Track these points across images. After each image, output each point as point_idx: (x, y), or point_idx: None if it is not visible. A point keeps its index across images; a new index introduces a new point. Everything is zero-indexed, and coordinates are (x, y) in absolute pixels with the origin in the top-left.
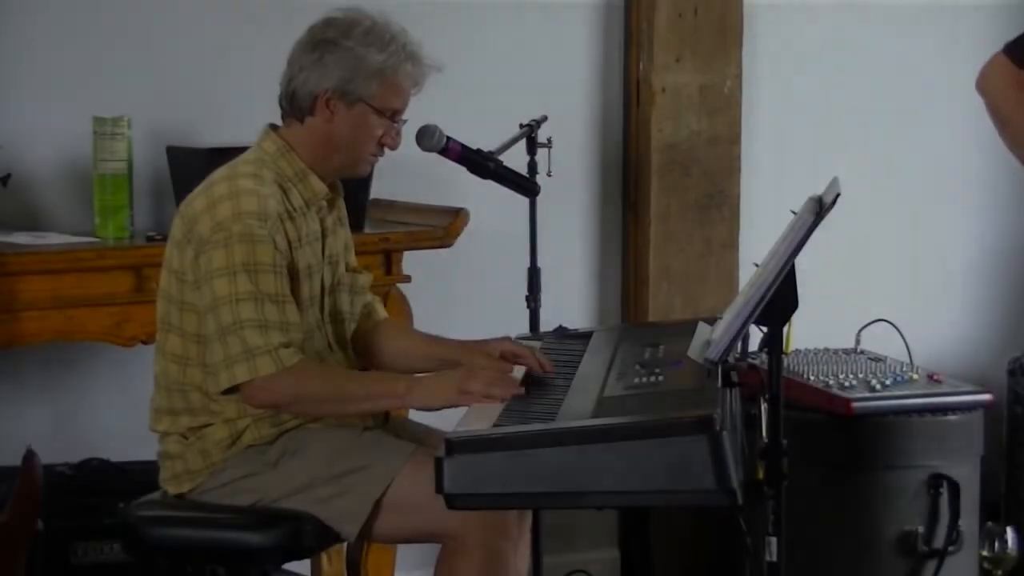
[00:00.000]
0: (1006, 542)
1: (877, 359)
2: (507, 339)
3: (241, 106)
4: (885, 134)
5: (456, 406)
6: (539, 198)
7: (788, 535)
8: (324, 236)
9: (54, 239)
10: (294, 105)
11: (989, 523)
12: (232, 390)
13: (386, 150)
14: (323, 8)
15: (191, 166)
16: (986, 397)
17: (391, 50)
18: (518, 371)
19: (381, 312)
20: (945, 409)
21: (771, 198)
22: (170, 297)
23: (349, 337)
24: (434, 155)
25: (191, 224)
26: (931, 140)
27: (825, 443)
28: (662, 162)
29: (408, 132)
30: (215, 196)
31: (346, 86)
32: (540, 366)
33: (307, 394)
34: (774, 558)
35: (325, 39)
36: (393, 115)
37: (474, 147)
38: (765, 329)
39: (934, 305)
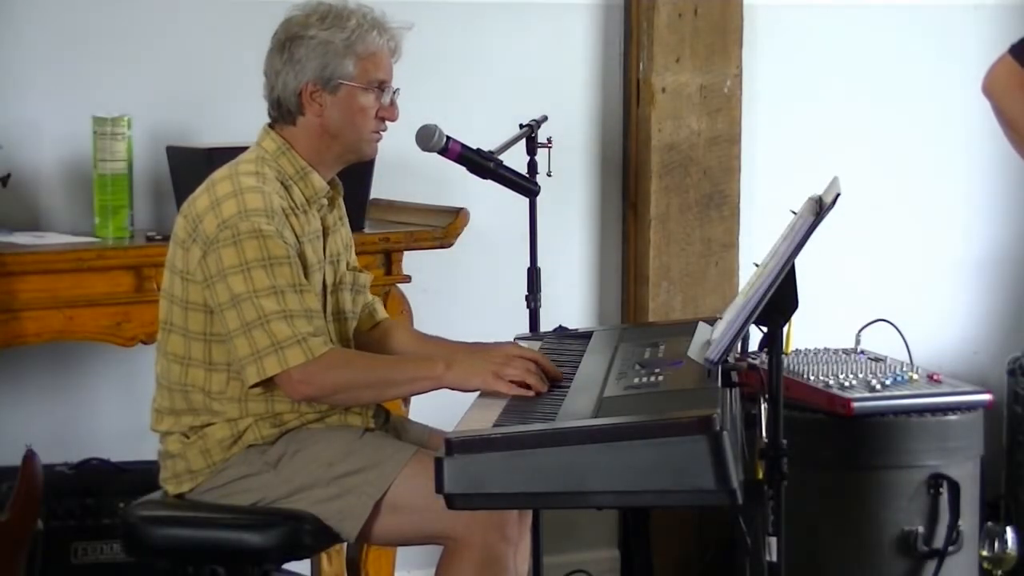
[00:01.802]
0: (1006, 542)
1: (877, 359)
2: (515, 344)
3: (241, 106)
4: (885, 134)
5: (489, 389)
6: (539, 198)
7: (788, 535)
8: (325, 235)
9: (54, 239)
10: (282, 110)
11: (989, 523)
12: (260, 384)
13: (388, 125)
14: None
15: (191, 166)
16: (986, 397)
17: (352, 25)
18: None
19: (382, 312)
20: (945, 409)
21: (771, 198)
22: (173, 297)
23: (351, 335)
24: (434, 155)
25: (195, 223)
26: (931, 140)
27: (825, 443)
28: (662, 162)
29: (408, 132)
30: (219, 194)
31: (322, 73)
32: (553, 372)
33: (349, 383)
34: (774, 558)
35: (288, 37)
36: (380, 86)
37: (474, 147)
38: (765, 329)
39: (934, 305)
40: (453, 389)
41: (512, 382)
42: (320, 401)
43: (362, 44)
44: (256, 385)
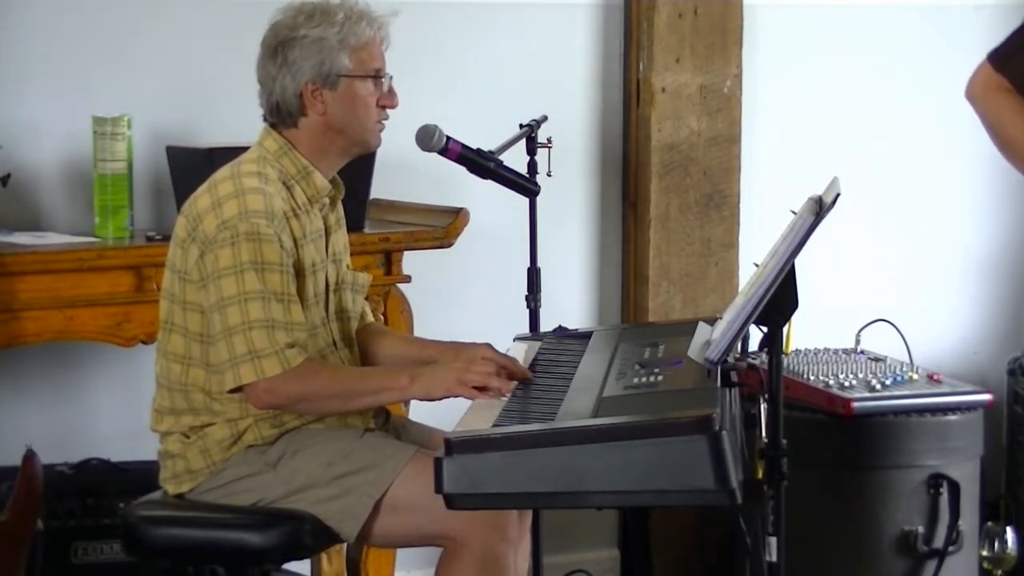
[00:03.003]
0: (1006, 542)
1: (877, 359)
2: (488, 345)
3: (241, 106)
4: (885, 134)
5: (455, 396)
6: (539, 198)
7: (788, 535)
8: (328, 234)
9: (54, 239)
10: (283, 114)
11: (989, 523)
12: (237, 390)
13: (389, 119)
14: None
15: (191, 166)
16: (986, 397)
17: (340, 19)
18: (517, 349)
19: (370, 315)
20: (945, 409)
21: (771, 198)
22: (173, 297)
23: (354, 334)
24: (434, 155)
25: (195, 223)
26: (931, 140)
27: (825, 443)
28: (662, 162)
29: (408, 132)
30: (220, 195)
31: (320, 70)
32: (520, 374)
33: (312, 393)
34: (774, 558)
35: (279, 41)
36: (377, 75)
37: (474, 147)
38: (765, 329)
39: (934, 305)
40: (419, 400)
41: (476, 387)
42: (283, 410)
43: (354, 36)
44: (233, 391)
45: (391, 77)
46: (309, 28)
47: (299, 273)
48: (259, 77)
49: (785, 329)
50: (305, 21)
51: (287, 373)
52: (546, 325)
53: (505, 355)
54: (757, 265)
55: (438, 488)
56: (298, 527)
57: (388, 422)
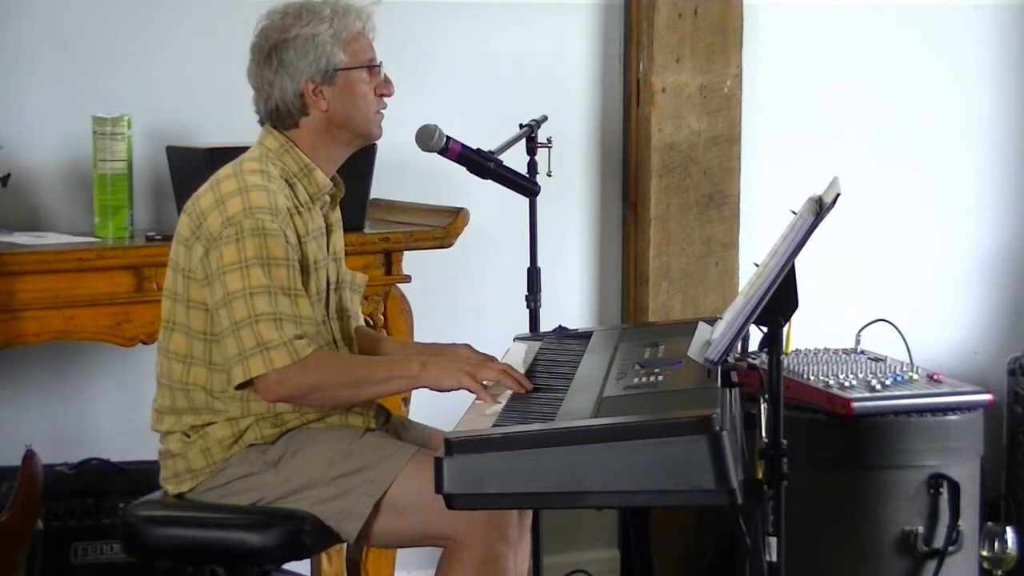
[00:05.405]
0: (1006, 542)
1: (877, 359)
2: (467, 346)
3: (241, 106)
4: (885, 134)
5: (463, 389)
6: (539, 198)
7: (788, 535)
8: (328, 232)
9: (54, 239)
10: (283, 116)
11: (989, 523)
12: (245, 385)
13: (387, 102)
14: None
15: (191, 166)
16: (986, 397)
17: (328, 14)
18: (517, 349)
19: (360, 320)
20: (945, 409)
21: (771, 198)
22: (175, 295)
23: (353, 333)
24: (434, 155)
25: (199, 221)
26: (931, 140)
27: (825, 443)
28: (662, 162)
29: (408, 132)
30: (223, 192)
31: (317, 66)
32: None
33: (323, 383)
34: (774, 558)
35: (272, 45)
36: (371, 64)
37: (474, 147)
38: (765, 329)
39: (934, 305)
40: (428, 388)
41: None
42: (295, 402)
43: (345, 30)
44: (241, 386)
45: (382, 63)
46: (300, 28)
47: (302, 270)
48: (254, 83)
49: (785, 329)
50: (294, 21)
51: (297, 364)
52: (546, 325)
53: (482, 355)
54: (757, 265)
55: (438, 488)
56: (298, 527)
57: (388, 422)
